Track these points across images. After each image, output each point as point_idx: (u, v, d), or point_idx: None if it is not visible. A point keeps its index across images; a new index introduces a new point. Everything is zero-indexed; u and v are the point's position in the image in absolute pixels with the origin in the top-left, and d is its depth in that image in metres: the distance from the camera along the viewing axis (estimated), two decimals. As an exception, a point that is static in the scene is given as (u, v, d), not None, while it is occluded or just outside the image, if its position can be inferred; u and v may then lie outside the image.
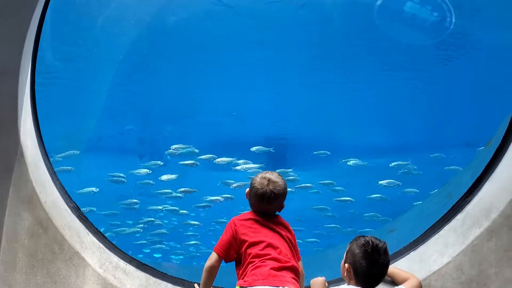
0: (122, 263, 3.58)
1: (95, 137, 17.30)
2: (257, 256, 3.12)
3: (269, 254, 3.11)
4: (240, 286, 3.09)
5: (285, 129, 18.14)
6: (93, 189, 12.73)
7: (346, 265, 2.96)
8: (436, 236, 3.66)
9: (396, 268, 3.42)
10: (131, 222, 13.83)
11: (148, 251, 13.64)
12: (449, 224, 3.63)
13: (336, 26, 17.53)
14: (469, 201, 3.60)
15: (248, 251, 3.15)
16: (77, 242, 3.34)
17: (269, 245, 3.15)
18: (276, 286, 2.99)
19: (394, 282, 3.35)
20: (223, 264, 3.33)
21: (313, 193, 13.70)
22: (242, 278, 3.11)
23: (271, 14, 17.26)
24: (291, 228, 3.38)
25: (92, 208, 12.64)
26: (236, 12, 17.12)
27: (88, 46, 16.81)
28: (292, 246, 3.25)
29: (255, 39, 17.76)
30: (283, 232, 3.25)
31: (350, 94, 18.96)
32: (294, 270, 3.13)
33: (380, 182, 13.17)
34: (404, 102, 18.66)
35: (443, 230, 3.65)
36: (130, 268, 3.60)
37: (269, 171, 3.42)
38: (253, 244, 3.16)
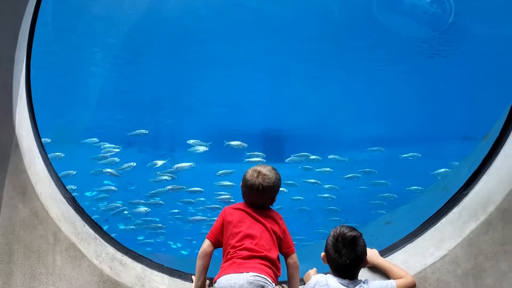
0: (118, 255, 3.58)
1: (86, 127, 17.11)
2: (233, 247, 3.21)
3: (243, 245, 3.19)
4: (214, 282, 3.18)
5: (283, 121, 18.11)
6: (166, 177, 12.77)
7: (322, 254, 3.10)
8: (433, 229, 3.66)
9: (392, 264, 3.43)
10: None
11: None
12: (446, 217, 3.63)
13: (335, 17, 17.45)
14: (466, 194, 3.60)
15: (229, 240, 3.25)
16: (73, 233, 3.32)
17: (247, 236, 3.22)
18: (240, 273, 3.06)
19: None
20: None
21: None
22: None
23: (270, 5, 17.15)
24: (282, 221, 3.40)
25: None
26: (234, 3, 17.00)
27: (84, 36, 16.67)
28: (277, 239, 3.29)
29: (253, 30, 17.66)
30: (269, 224, 3.29)
31: (347, 86, 18.91)
32: (268, 259, 3.17)
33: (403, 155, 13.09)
34: (402, 95, 18.64)
35: (439, 223, 3.65)
36: (127, 259, 3.60)
37: (263, 164, 3.49)
38: (234, 234, 3.24)
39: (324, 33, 17.50)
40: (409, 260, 3.56)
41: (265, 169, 3.39)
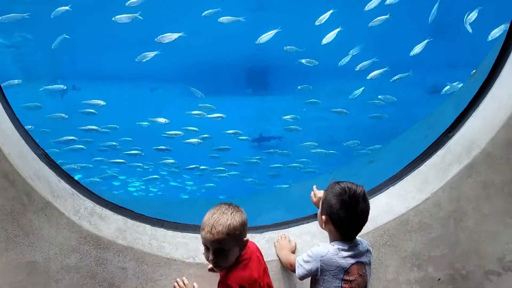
0: (98, 208, 3.48)
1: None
2: None
3: None
4: None
5: (266, 52, 17.61)
6: None
7: (324, 217, 2.74)
8: (416, 171, 3.64)
9: None
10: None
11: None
12: (430, 160, 3.60)
13: None
14: (451, 137, 3.54)
15: None
16: (48, 191, 3.20)
17: None
18: None
19: None
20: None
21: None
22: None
23: None
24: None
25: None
26: None
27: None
28: None
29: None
30: None
31: (334, 15, 18.25)
32: None
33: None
34: (393, 23, 18.06)
35: (423, 165, 3.62)
36: (107, 212, 3.51)
37: (226, 204, 2.74)
38: None
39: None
40: (392, 202, 3.56)
41: (222, 216, 2.62)
